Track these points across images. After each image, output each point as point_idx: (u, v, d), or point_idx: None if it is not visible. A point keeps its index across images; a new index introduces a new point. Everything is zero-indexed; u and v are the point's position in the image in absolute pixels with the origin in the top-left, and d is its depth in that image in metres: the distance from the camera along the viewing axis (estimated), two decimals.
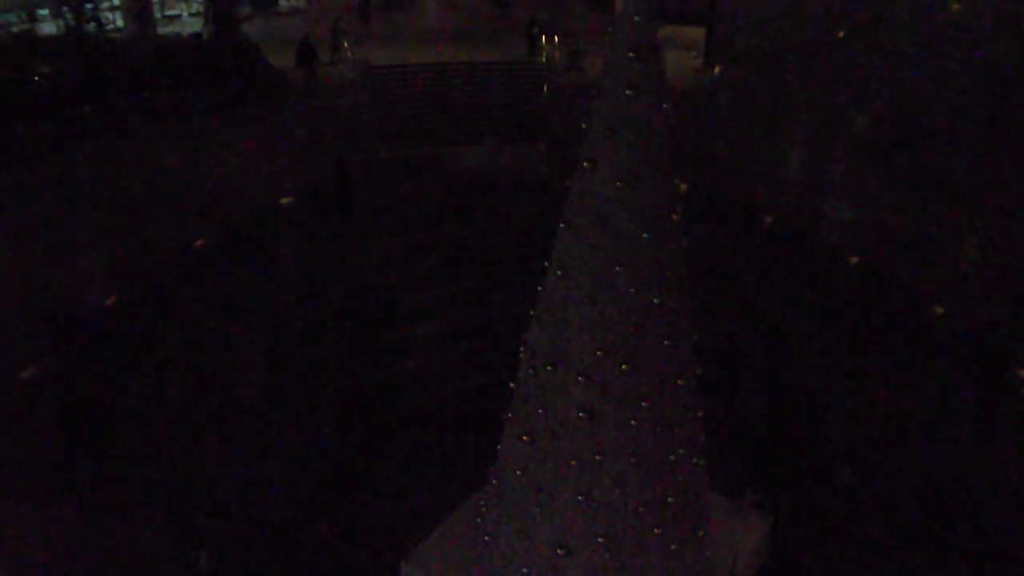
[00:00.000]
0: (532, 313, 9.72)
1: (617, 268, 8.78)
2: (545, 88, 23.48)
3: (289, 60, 23.30)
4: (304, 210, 19.49)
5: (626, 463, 9.39)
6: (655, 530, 9.67)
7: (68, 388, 14.09)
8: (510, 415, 10.30)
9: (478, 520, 11.32)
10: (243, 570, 13.34)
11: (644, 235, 8.73)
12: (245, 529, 13.87)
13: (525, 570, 10.14)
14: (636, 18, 8.16)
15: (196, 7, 28.78)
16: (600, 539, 9.60)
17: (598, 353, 9.04)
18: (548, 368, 9.45)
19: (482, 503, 11.37)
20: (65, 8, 21.51)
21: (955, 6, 16.73)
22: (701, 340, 10.00)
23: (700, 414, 10.04)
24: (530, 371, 9.76)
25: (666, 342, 9.19)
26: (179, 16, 28.19)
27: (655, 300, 8.95)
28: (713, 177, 20.57)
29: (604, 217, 8.70)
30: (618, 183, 8.55)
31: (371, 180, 21.14)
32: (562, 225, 9.19)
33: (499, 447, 10.67)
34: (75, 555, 12.26)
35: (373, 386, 17.85)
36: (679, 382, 9.51)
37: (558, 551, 9.76)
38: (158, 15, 27.33)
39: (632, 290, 8.84)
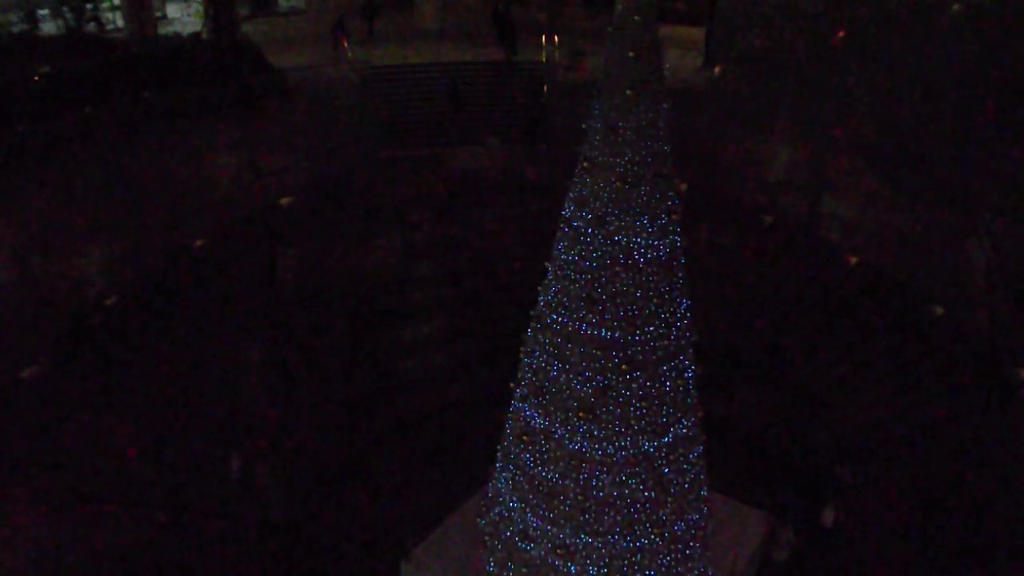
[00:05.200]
0: (532, 313, 9.73)
1: (617, 268, 8.78)
2: (545, 88, 23.48)
3: (289, 60, 23.39)
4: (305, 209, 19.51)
5: (625, 463, 9.39)
6: (654, 530, 9.67)
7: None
8: (510, 414, 10.31)
9: (478, 520, 11.33)
10: (244, 570, 13.33)
11: (643, 235, 8.73)
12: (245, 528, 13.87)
13: (524, 570, 10.14)
14: (636, 18, 8.18)
15: (196, 7, 28.76)
16: (599, 539, 9.61)
17: (598, 353, 9.05)
18: (548, 368, 9.45)
19: (482, 503, 11.37)
20: (65, 8, 21.50)
21: (955, 7, 16.72)
22: (701, 340, 10.00)
23: (700, 414, 10.04)
24: (530, 372, 9.77)
25: (666, 342, 9.20)
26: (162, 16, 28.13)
27: (654, 300, 8.95)
28: (713, 177, 20.56)
29: (604, 217, 8.71)
30: (618, 183, 8.55)
31: (369, 180, 21.15)
32: (562, 225, 9.20)
33: (499, 447, 10.68)
34: (72, 555, 12.27)
35: (373, 385, 17.83)
36: (679, 382, 9.51)
37: (557, 551, 9.76)
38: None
39: (632, 290, 8.85)
